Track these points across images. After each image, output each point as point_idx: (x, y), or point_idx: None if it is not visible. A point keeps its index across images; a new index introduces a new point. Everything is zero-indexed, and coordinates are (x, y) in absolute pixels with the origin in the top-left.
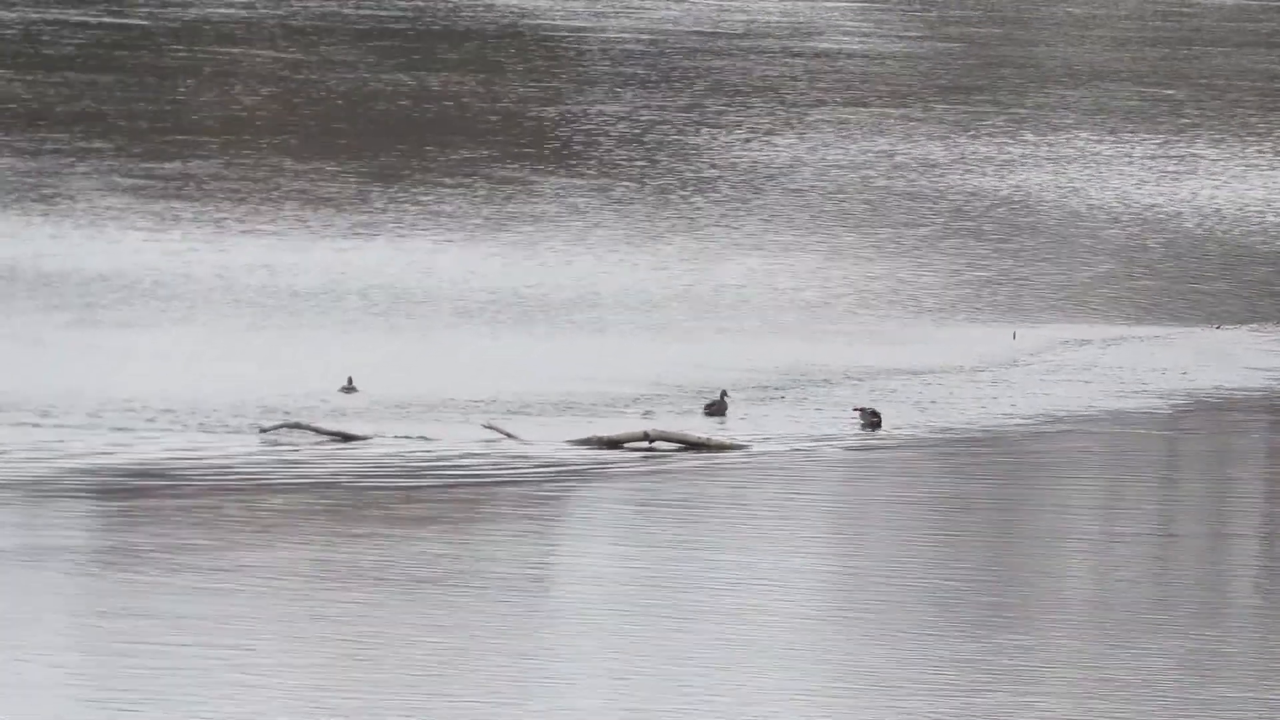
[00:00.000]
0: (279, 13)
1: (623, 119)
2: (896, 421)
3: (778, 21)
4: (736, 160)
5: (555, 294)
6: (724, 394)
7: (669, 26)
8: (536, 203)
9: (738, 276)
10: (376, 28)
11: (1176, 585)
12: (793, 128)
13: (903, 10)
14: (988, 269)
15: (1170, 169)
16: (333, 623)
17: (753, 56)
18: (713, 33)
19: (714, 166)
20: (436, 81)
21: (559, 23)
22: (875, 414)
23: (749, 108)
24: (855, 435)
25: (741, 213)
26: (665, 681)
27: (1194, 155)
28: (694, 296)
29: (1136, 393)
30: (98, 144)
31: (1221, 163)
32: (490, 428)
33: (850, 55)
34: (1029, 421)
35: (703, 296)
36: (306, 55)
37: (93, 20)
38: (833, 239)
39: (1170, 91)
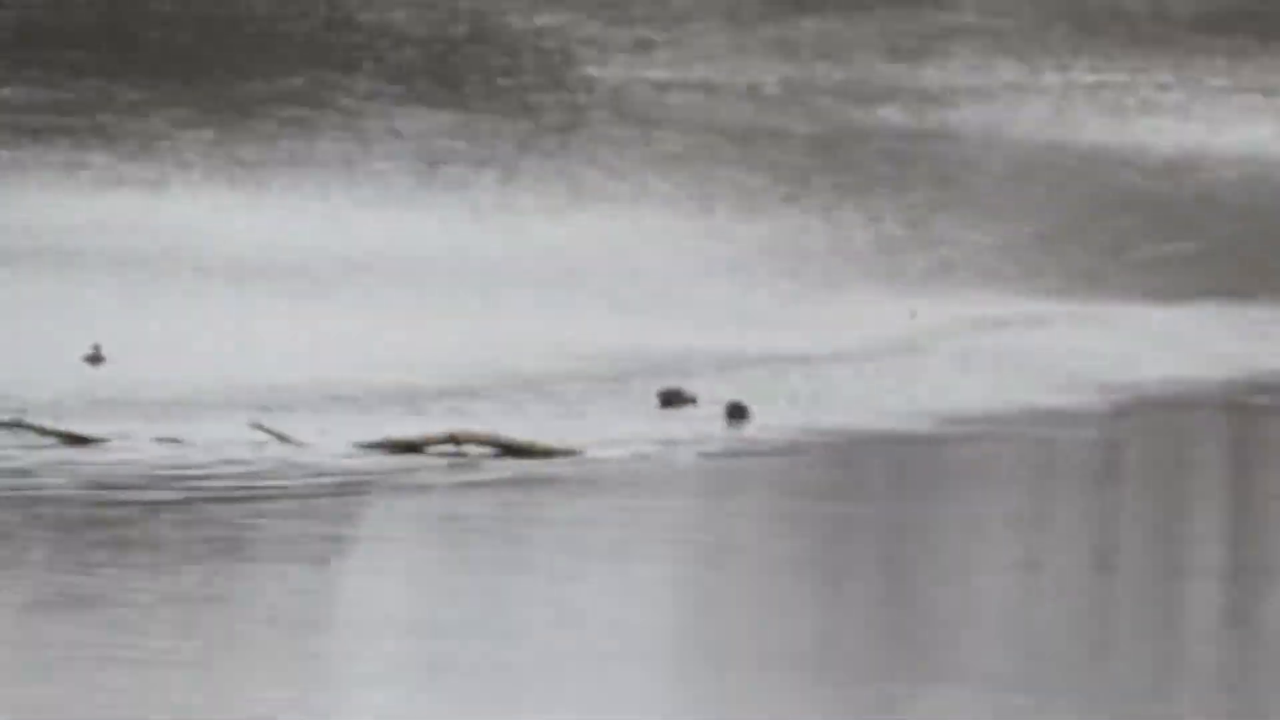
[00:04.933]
0: None
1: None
2: (766, 421)
3: None
4: (594, 85)
5: (349, 257)
6: (744, 407)
7: None
8: (343, 139)
9: (572, 235)
10: None
11: (1112, 629)
12: (678, 45)
13: None
14: (886, 228)
15: (1141, 104)
16: (52, 664)
17: None
18: None
19: (565, 90)
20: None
21: None
22: (741, 407)
23: (639, 21)
24: (718, 437)
25: (587, 152)
26: None
27: (1169, 88)
28: (519, 260)
29: (1066, 387)
30: None
31: (1202, 100)
32: (258, 427)
33: None
34: (929, 423)
35: (529, 260)
36: None
37: None
38: (693, 187)
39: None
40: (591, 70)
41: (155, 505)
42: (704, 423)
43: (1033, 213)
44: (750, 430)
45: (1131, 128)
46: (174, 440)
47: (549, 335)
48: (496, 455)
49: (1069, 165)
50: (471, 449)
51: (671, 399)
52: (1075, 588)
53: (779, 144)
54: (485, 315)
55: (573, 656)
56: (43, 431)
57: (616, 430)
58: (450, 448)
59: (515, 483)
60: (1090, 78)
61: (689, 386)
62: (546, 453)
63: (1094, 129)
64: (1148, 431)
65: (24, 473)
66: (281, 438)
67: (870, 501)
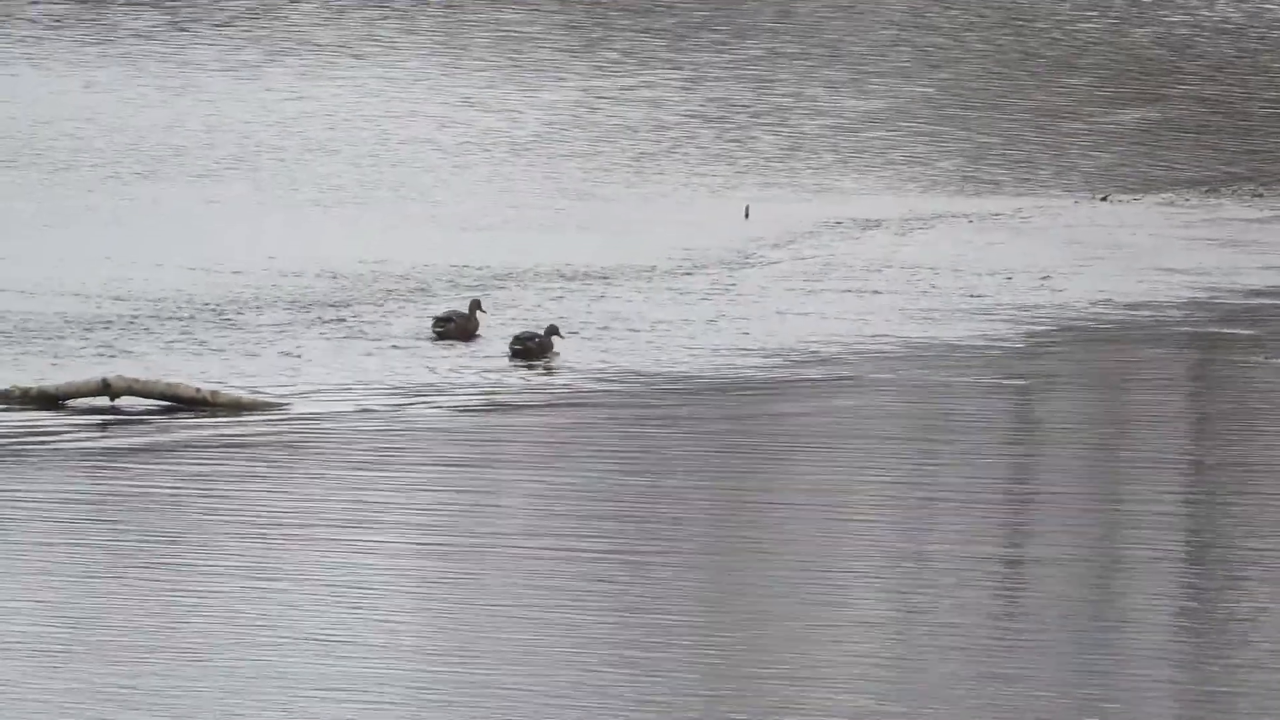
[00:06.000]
0: None
1: None
2: (548, 359)
3: None
4: None
5: None
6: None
7: None
8: None
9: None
10: None
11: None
12: None
13: None
14: (717, 92)
15: None
16: None
17: None
18: None
19: None
20: None
21: None
22: (532, 339)
23: None
24: (484, 381)
25: None
26: None
27: None
28: (200, 138)
29: (954, 313)
30: None
31: None
32: None
33: None
34: (758, 364)
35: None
36: None
37: None
38: (448, 39)
39: None
40: None
41: None
42: (473, 361)
43: (927, 71)
44: (530, 372)
45: None
46: None
47: (247, 245)
48: (166, 410)
49: (990, 8)
50: (132, 402)
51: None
52: (942, 579)
53: None
54: (147, 212)
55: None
56: None
57: (333, 371)
58: (103, 401)
59: (186, 450)
60: None
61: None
62: (234, 406)
63: None
64: (1067, 375)
65: None
66: None
67: (673, 454)
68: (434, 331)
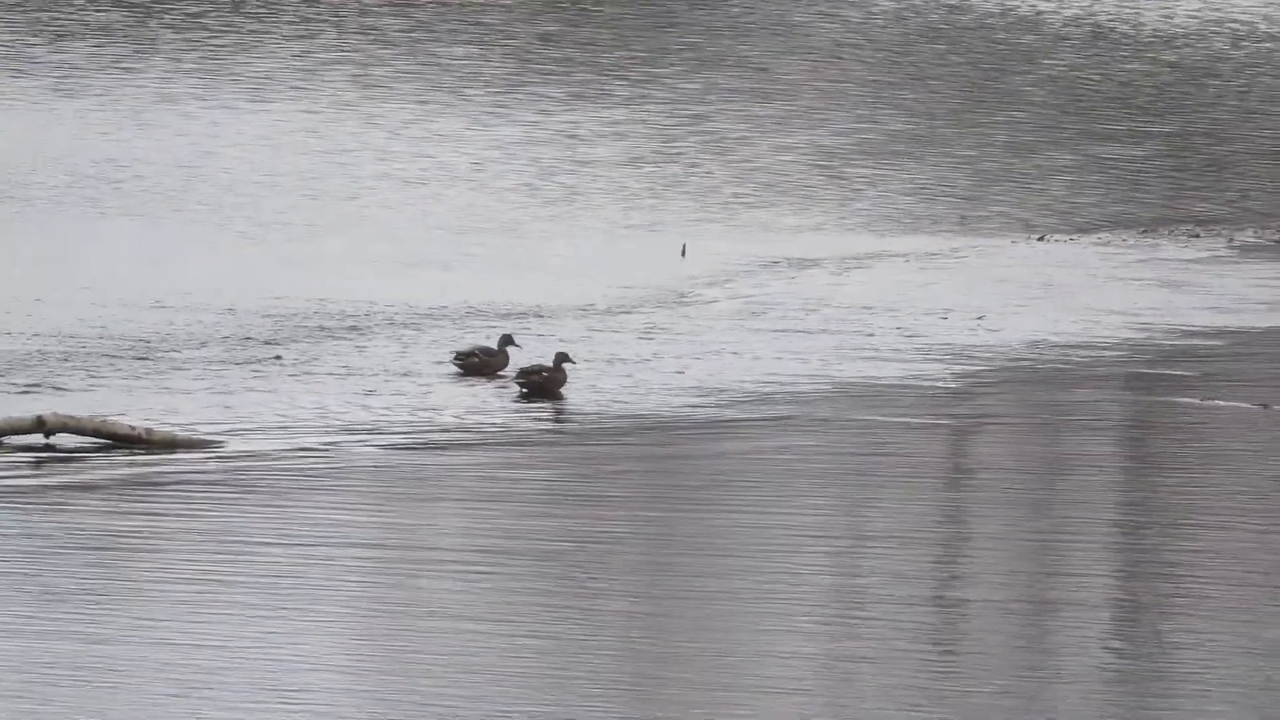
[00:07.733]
0: None
1: None
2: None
3: None
4: None
5: None
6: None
7: None
8: None
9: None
10: None
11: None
12: None
13: None
14: (647, 122)
15: None
16: None
17: None
18: None
19: None
20: None
21: None
22: (538, 372)
23: None
24: (418, 419)
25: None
26: None
27: None
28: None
29: (890, 352)
30: None
31: None
32: None
33: None
34: (694, 403)
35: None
36: None
37: None
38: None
39: None
40: None
41: None
42: (407, 399)
43: (866, 110)
44: (465, 410)
45: None
46: None
47: (184, 281)
48: (101, 448)
49: (947, 32)
50: (67, 440)
51: (469, 363)
52: (873, 621)
53: None
54: (83, 246)
55: None
56: None
57: (269, 411)
58: (38, 438)
59: (125, 486)
60: None
61: (379, 350)
62: (170, 445)
63: None
64: (1002, 415)
65: None
66: None
67: (608, 504)
68: (454, 366)
